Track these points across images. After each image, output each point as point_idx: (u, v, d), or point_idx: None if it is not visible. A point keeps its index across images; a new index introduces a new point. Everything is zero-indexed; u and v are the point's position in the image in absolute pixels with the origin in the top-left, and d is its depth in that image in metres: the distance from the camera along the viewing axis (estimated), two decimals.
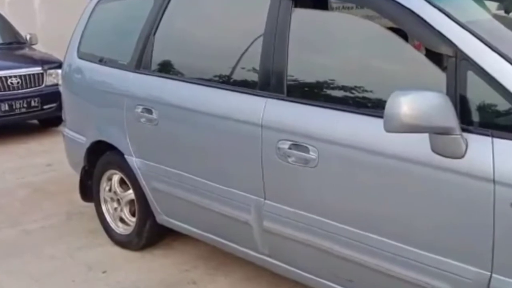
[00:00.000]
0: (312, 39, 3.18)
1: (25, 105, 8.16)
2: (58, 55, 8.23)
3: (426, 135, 2.45)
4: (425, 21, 2.62)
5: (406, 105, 2.32)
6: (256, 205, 3.28)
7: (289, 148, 3.02)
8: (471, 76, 2.46)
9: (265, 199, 3.24)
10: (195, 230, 3.88)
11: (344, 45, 3.07)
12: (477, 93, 2.46)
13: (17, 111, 8.13)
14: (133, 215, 4.42)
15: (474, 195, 2.40)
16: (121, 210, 4.49)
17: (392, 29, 2.88)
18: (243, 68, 3.46)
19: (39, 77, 8.35)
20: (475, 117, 2.46)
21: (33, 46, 9.50)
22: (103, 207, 4.63)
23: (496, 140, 2.36)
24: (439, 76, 2.55)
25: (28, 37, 9.48)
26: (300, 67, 3.15)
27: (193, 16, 3.91)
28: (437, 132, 2.40)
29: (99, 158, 4.52)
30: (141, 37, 4.03)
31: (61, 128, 5.32)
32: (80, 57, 4.68)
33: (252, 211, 3.31)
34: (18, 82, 8.12)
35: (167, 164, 3.84)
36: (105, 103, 4.33)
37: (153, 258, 4.34)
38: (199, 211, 3.70)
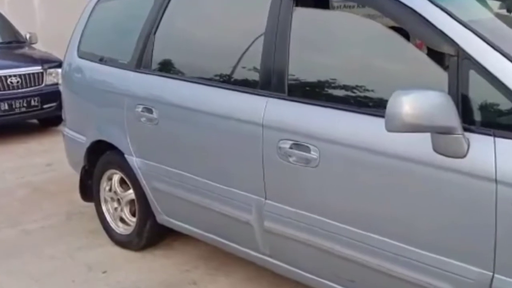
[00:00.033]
0: (313, 38, 3.18)
1: (25, 105, 8.16)
2: (58, 54, 8.25)
3: (428, 135, 2.45)
4: (427, 20, 2.62)
5: (407, 104, 2.32)
6: (257, 205, 3.29)
7: (290, 148, 3.02)
8: (473, 75, 2.46)
9: (266, 199, 3.24)
10: (195, 230, 3.88)
11: (346, 44, 3.07)
12: (479, 92, 2.46)
13: (17, 111, 8.13)
14: (133, 215, 4.42)
15: (476, 195, 2.40)
16: (122, 210, 4.49)
17: (393, 28, 2.88)
18: (244, 67, 3.46)
19: (39, 76, 8.36)
20: (477, 116, 2.46)
21: (33, 45, 9.50)
22: (103, 207, 4.63)
23: (498, 139, 2.36)
24: (441, 75, 2.55)
25: (28, 36, 9.49)
26: (301, 66, 3.15)
27: (194, 15, 3.91)
28: (439, 132, 2.40)
29: (99, 157, 4.53)
30: (141, 36, 4.03)
31: (61, 127, 5.32)
32: (80, 56, 4.69)
33: (253, 211, 3.31)
34: (18, 82, 8.12)
35: (167, 164, 3.84)
36: (105, 103, 4.33)
37: (154, 258, 4.34)
38: (199, 211, 3.71)
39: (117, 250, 4.49)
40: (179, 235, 4.27)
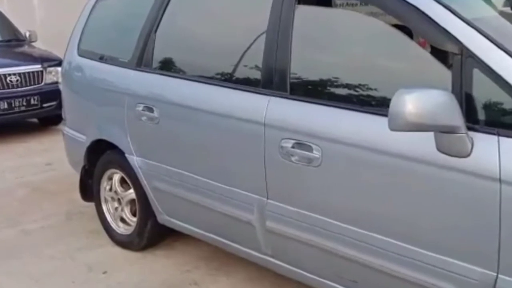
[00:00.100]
0: (316, 36, 3.18)
1: (24, 103, 8.17)
2: (58, 53, 8.25)
3: (431, 134, 2.45)
4: (430, 18, 2.62)
5: (411, 103, 2.32)
6: (258, 204, 3.29)
7: (292, 147, 3.02)
8: (477, 73, 2.46)
9: (267, 198, 3.24)
10: (196, 230, 3.89)
11: (348, 43, 3.07)
12: (483, 91, 2.46)
13: (17, 110, 8.14)
14: (134, 215, 4.43)
15: (479, 194, 2.40)
16: (122, 209, 4.50)
17: (396, 26, 2.88)
18: (245, 65, 3.47)
19: (39, 75, 8.37)
20: (481, 115, 2.46)
21: (33, 44, 9.51)
22: (104, 207, 4.64)
23: (502, 138, 2.36)
24: (445, 74, 2.56)
25: (27, 34, 9.49)
26: (304, 65, 3.15)
27: (195, 13, 3.92)
28: (442, 131, 2.40)
29: (100, 157, 4.53)
30: (142, 35, 4.04)
31: (61, 126, 5.33)
32: (80, 55, 4.69)
33: (255, 211, 3.32)
34: (17, 80, 8.13)
35: (168, 163, 3.84)
36: (106, 102, 4.34)
37: (155, 259, 4.35)
38: (200, 211, 3.71)
39: (117, 250, 4.50)
40: (180, 235, 4.27)
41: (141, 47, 4.03)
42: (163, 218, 4.11)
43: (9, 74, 8.08)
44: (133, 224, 4.42)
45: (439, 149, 2.46)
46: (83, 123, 4.66)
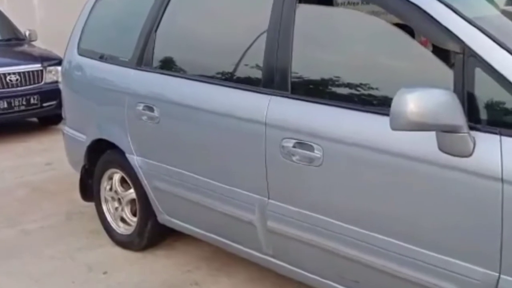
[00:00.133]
0: (317, 35, 3.18)
1: (24, 103, 8.17)
2: (57, 52, 8.25)
3: (433, 133, 2.45)
4: (432, 17, 2.62)
5: (412, 102, 2.32)
6: (259, 204, 3.29)
7: (294, 147, 3.02)
8: (479, 73, 2.47)
9: (269, 198, 3.25)
10: (197, 230, 3.89)
11: (350, 42, 3.07)
12: (485, 90, 2.46)
13: (16, 109, 8.14)
14: (134, 214, 4.43)
15: (482, 194, 2.41)
16: (122, 209, 4.50)
17: (398, 25, 2.89)
18: (246, 65, 3.47)
19: (39, 74, 8.37)
20: (483, 115, 2.46)
21: (33, 43, 9.51)
22: (104, 207, 4.64)
23: (504, 138, 2.37)
24: (446, 73, 2.56)
25: (27, 33, 9.49)
26: (305, 64, 3.15)
27: (195, 12, 3.92)
28: (444, 130, 2.41)
29: (100, 156, 4.54)
30: (142, 34, 4.04)
31: (61, 126, 5.34)
32: (80, 54, 4.69)
33: (256, 211, 3.32)
34: (17, 79, 8.13)
35: (169, 163, 3.85)
36: (106, 101, 4.34)
37: (155, 259, 4.35)
38: (201, 211, 3.72)
39: (118, 250, 4.50)
40: (180, 235, 4.27)
41: (141, 46, 4.03)
42: (164, 218, 4.12)
43: (9, 74, 8.08)
44: (134, 224, 4.42)
45: (441, 149, 2.47)
46: (83, 123, 4.66)
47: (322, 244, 3.04)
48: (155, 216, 4.19)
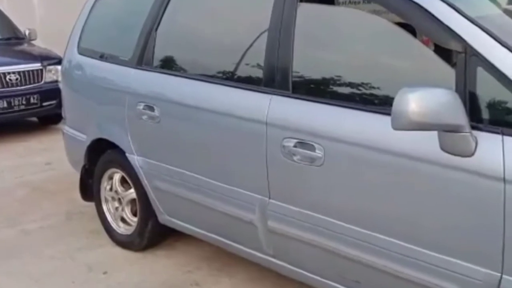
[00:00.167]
0: (318, 34, 3.18)
1: (24, 102, 8.17)
2: (57, 51, 8.25)
3: (434, 133, 2.45)
4: (433, 16, 2.62)
5: (414, 102, 2.32)
6: (260, 204, 3.29)
7: (295, 146, 3.03)
8: (480, 72, 2.47)
9: (269, 198, 3.25)
10: (198, 230, 3.90)
11: (351, 41, 3.08)
12: (487, 89, 2.46)
13: (16, 108, 8.14)
14: (134, 214, 4.43)
15: (483, 194, 2.41)
16: (123, 209, 4.51)
17: (400, 24, 2.89)
18: (247, 64, 3.47)
19: (38, 74, 8.37)
20: (485, 114, 2.46)
21: (32, 42, 9.51)
22: (104, 207, 4.64)
23: (506, 138, 2.37)
24: (448, 73, 2.56)
25: (27, 32, 9.48)
26: (306, 63, 3.15)
27: (196, 11, 3.92)
28: (446, 130, 2.41)
29: (100, 156, 4.54)
30: (143, 33, 4.04)
31: (60, 125, 5.34)
32: (80, 53, 4.69)
33: (257, 211, 3.32)
34: (17, 79, 8.13)
35: (169, 163, 3.85)
36: (106, 100, 4.34)
37: (155, 259, 4.35)
38: (202, 211, 3.72)
39: (118, 250, 4.51)
40: (181, 235, 4.28)
41: (141, 45, 4.03)
42: (164, 218, 4.12)
43: (9, 73, 8.08)
44: (134, 224, 4.43)
45: (442, 149, 2.47)
46: (83, 122, 4.66)
47: (323, 244, 3.04)
48: (155, 216, 4.19)
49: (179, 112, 3.72)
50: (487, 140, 2.40)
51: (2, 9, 9.81)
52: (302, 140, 2.99)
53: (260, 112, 3.18)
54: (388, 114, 2.43)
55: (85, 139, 4.58)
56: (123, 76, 4.13)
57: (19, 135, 8.28)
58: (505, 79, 2.41)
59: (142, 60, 4.02)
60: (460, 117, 2.36)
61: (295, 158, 3.03)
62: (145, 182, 4.09)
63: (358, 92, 2.90)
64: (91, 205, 4.79)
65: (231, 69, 3.54)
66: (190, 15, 3.95)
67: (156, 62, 3.97)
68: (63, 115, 5.03)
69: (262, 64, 3.26)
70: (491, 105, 2.47)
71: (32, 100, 8.24)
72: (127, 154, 4.17)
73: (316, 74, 3.15)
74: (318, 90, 3.11)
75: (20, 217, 5.21)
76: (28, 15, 12.34)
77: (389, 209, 2.74)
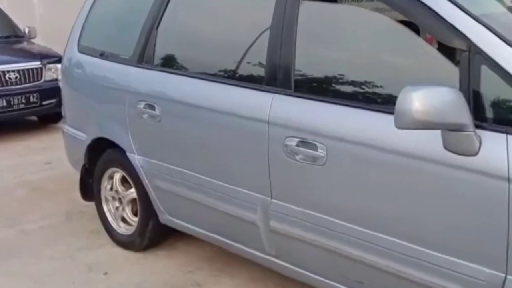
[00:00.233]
0: (321, 32, 3.19)
1: (23, 101, 8.18)
2: (57, 49, 8.25)
3: (438, 132, 2.45)
4: (437, 13, 2.62)
5: (417, 101, 2.32)
6: (262, 204, 3.30)
7: (297, 146, 3.03)
8: (485, 70, 2.47)
9: (271, 198, 3.25)
10: (199, 230, 3.90)
11: (354, 39, 3.08)
12: (491, 88, 2.46)
13: (16, 107, 8.15)
14: (135, 214, 4.44)
15: (488, 193, 2.41)
16: (123, 209, 4.51)
17: (403, 22, 2.89)
18: (249, 62, 3.47)
19: (38, 72, 8.38)
20: (489, 113, 2.46)
21: (32, 40, 9.51)
22: (104, 207, 4.65)
23: (510, 137, 2.36)
24: (452, 71, 2.56)
25: (26, 30, 9.49)
26: (308, 61, 3.16)
27: (197, 9, 3.93)
28: (449, 129, 2.41)
29: (100, 155, 4.54)
30: (143, 31, 4.04)
31: (60, 124, 5.35)
32: (80, 51, 4.70)
33: (259, 211, 3.33)
34: (16, 77, 8.14)
35: (170, 162, 3.85)
36: (106, 99, 4.35)
37: (156, 259, 4.36)
38: (203, 211, 3.72)
39: (118, 250, 4.51)
40: (182, 235, 4.28)
41: (142, 44, 4.04)
42: (165, 217, 4.12)
43: (8, 71, 8.09)
44: (135, 224, 4.43)
45: (446, 148, 2.47)
46: (83, 121, 4.67)
47: (325, 244, 3.04)
48: (156, 216, 4.20)
49: (180, 111, 3.72)
50: (491, 139, 2.40)
51: (2, 7, 9.81)
52: (304, 139, 3.00)
53: (262, 111, 3.18)
54: (391, 113, 2.43)
55: (85, 138, 4.58)
56: (124, 74, 4.13)
57: (19, 134, 8.29)
58: (510, 77, 2.41)
59: (142, 59, 4.02)
60: (464, 116, 2.36)
61: (297, 157, 3.03)
62: (145, 181, 4.09)
63: (361, 90, 2.91)
64: (91, 204, 4.80)
65: (233, 67, 3.54)
66: (191, 13, 3.95)
67: (157, 61, 3.97)
68: (63, 114, 5.04)
69: (264, 62, 3.26)
70: (495, 104, 2.47)
71: (31, 99, 8.25)
72: (127, 153, 4.17)
73: (318, 73, 3.15)
74: (320, 88, 3.12)
75: (19, 217, 5.22)
76: (27, 13, 12.34)
77: (392, 208, 2.74)
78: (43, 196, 5.73)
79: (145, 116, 3.91)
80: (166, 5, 3.94)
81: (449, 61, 2.60)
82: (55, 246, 4.61)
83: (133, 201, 4.42)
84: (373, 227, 2.82)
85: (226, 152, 3.47)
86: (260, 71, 3.30)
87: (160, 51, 3.97)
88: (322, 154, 2.93)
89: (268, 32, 3.25)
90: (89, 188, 4.76)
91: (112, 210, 4.60)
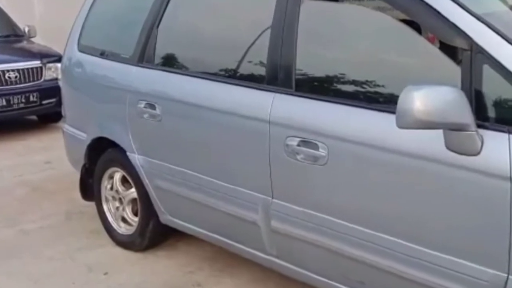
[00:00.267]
0: (322, 31, 3.19)
1: (23, 100, 8.19)
2: (57, 48, 8.26)
3: (440, 132, 2.46)
4: (439, 12, 2.62)
5: (419, 100, 2.32)
6: (263, 204, 3.30)
7: (298, 145, 3.03)
8: (487, 70, 2.47)
9: (272, 198, 3.25)
10: (200, 230, 3.90)
11: (355, 38, 3.08)
12: (493, 87, 2.46)
13: (15, 107, 8.16)
14: (135, 214, 4.44)
15: (490, 193, 2.41)
16: (123, 209, 4.51)
17: (404, 21, 2.89)
18: (250, 61, 3.47)
19: (38, 71, 8.38)
20: (491, 112, 2.47)
21: (32, 39, 9.51)
22: (105, 206, 4.65)
23: None
24: (454, 70, 2.56)
25: (26, 29, 9.49)
26: (309, 60, 3.16)
27: (198, 8, 3.93)
28: (451, 129, 2.41)
29: (100, 155, 4.55)
30: (144, 30, 4.04)
31: (60, 124, 5.36)
32: (80, 50, 4.70)
33: (260, 211, 3.33)
34: (16, 77, 8.14)
35: (171, 162, 3.86)
36: (107, 98, 4.35)
37: (156, 260, 4.36)
38: (204, 211, 3.72)
39: (118, 250, 4.52)
40: (182, 236, 4.29)
41: (143, 43, 4.04)
42: (166, 218, 4.13)
43: (8, 70, 8.09)
44: (135, 224, 4.44)
45: (448, 147, 2.47)
46: (83, 121, 4.67)
47: (327, 244, 3.04)
48: (156, 216, 4.20)
49: (180, 111, 3.73)
50: (493, 138, 2.40)
51: (1, 6, 9.80)
52: (306, 138, 3.00)
53: (263, 111, 3.19)
54: (393, 112, 2.43)
55: (85, 137, 4.59)
56: (124, 74, 4.14)
57: (18, 133, 8.30)
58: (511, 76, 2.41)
59: (143, 58, 4.03)
60: (466, 115, 2.36)
61: (298, 157, 3.04)
62: (146, 181, 4.10)
63: (363, 90, 2.91)
64: (91, 204, 4.81)
65: (234, 66, 3.55)
66: (192, 12, 3.96)
67: (157, 60, 3.98)
68: (63, 113, 5.04)
69: (265, 61, 3.26)
70: (497, 103, 2.47)
71: (31, 98, 8.25)
72: (128, 153, 4.18)
73: (319, 72, 3.15)
74: (321, 88, 3.12)
75: (19, 217, 5.22)
76: (27, 11, 12.33)
77: (393, 208, 2.75)
78: (43, 196, 5.74)
79: (145, 115, 3.91)
80: (167, 4, 3.94)
81: (451, 60, 2.60)
82: (55, 246, 4.61)
83: (133, 201, 4.42)
84: (375, 227, 2.82)
85: (227, 151, 3.48)
86: (261, 71, 3.30)
87: (161, 50, 3.97)
88: (323, 154, 2.93)
89: (269, 31, 3.25)
90: (89, 188, 4.77)
91: (112, 210, 4.61)
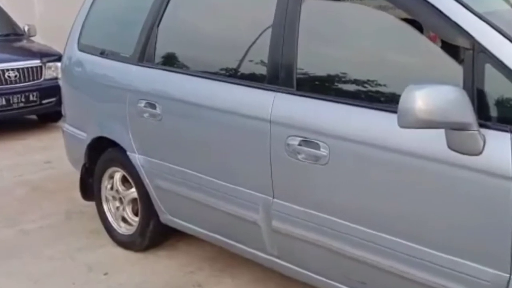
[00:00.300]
0: (323, 30, 3.19)
1: (23, 100, 8.19)
2: (57, 47, 8.26)
3: (441, 131, 2.46)
4: (441, 11, 2.62)
5: (421, 99, 2.32)
6: (264, 204, 3.30)
7: (299, 145, 3.03)
8: (489, 69, 2.47)
9: (273, 197, 3.25)
10: (200, 230, 3.90)
11: (357, 37, 3.08)
12: (495, 87, 2.46)
13: (15, 106, 8.16)
14: (136, 214, 4.44)
15: (491, 193, 2.41)
16: (124, 209, 4.52)
17: (406, 20, 2.89)
18: (251, 61, 3.47)
19: (38, 70, 8.38)
20: (493, 112, 2.47)
21: (32, 38, 9.51)
22: (105, 206, 4.65)
23: None
24: (456, 69, 2.56)
25: (26, 28, 9.48)
26: (311, 60, 3.16)
27: (199, 7, 3.93)
28: (453, 128, 2.41)
29: (101, 155, 4.55)
30: (144, 29, 4.04)
31: (60, 123, 5.36)
32: (80, 50, 4.70)
33: (260, 210, 3.33)
34: (15, 76, 8.14)
35: (171, 161, 3.86)
36: (107, 98, 4.35)
37: (157, 260, 4.36)
38: (204, 210, 3.72)
39: (119, 250, 4.52)
40: (183, 235, 4.29)
41: (143, 42, 4.04)
42: (166, 217, 4.13)
43: (7, 70, 8.09)
44: (135, 224, 4.44)
45: (450, 147, 2.47)
46: (83, 120, 4.67)
47: (328, 244, 3.04)
48: (157, 215, 4.20)
49: (181, 110, 3.73)
50: (495, 138, 2.40)
51: (1, 5, 9.80)
52: (307, 138, 3.00)
53: (264, 110, 3.18)
54: (395, 111, 2.43)
55: (85, 137, 4.59)
56: (124, 73, 4.14)
57: (18, 133, 8.30)
58: None
59: (143, 57, 4.02)
60: (468, 115, 2.36)
61: (299, 156, 3.03)
62: (146, 181, 4.10)
63: (364, 89, 2.91)
64: (92, 204, 4.81)
65: (234, 66, 3.55)
66: (192, 10, 3.96)
67: (157, 59, 3.98)
68: (62, 112, 5.04)
69: (265, 60, 3.26)
70: (500, 103, 2.47)
71: (31, 98, 8.25)
72: (128, 153, 4.18)
73: (321, 71, 3.15)
74: (323, 87, 3.12)
75: (19, 217, 5.22)
76: (27, 10, 12.33)
77: (395, 208, 2.75)
78: (43, 196, 5.74)
79: (145, 115, 3.91)
80: (167, 3, 3.94)
81: (453, 59, 2.60)
82: (55, 246, 4.62)
83: (133, 200, 4.42)
84: (376, 227, 2.82)
85: (228, 151, 3.47)
86: (262, 70, 3.30)
87: (161, 50, 3.97)
88: (324, 153, 2.93)
89: (270, 30, 3.25)
90: (89, 187, 4.77)
91: (113, 210, 4.61)
